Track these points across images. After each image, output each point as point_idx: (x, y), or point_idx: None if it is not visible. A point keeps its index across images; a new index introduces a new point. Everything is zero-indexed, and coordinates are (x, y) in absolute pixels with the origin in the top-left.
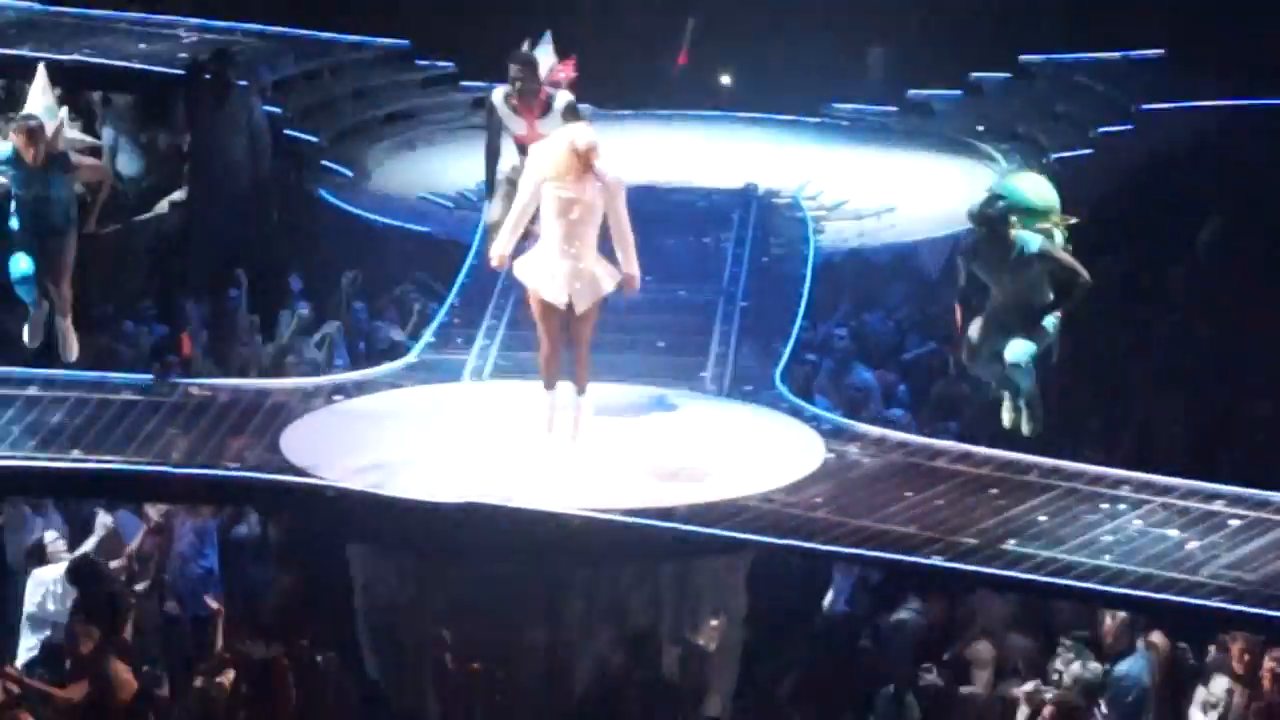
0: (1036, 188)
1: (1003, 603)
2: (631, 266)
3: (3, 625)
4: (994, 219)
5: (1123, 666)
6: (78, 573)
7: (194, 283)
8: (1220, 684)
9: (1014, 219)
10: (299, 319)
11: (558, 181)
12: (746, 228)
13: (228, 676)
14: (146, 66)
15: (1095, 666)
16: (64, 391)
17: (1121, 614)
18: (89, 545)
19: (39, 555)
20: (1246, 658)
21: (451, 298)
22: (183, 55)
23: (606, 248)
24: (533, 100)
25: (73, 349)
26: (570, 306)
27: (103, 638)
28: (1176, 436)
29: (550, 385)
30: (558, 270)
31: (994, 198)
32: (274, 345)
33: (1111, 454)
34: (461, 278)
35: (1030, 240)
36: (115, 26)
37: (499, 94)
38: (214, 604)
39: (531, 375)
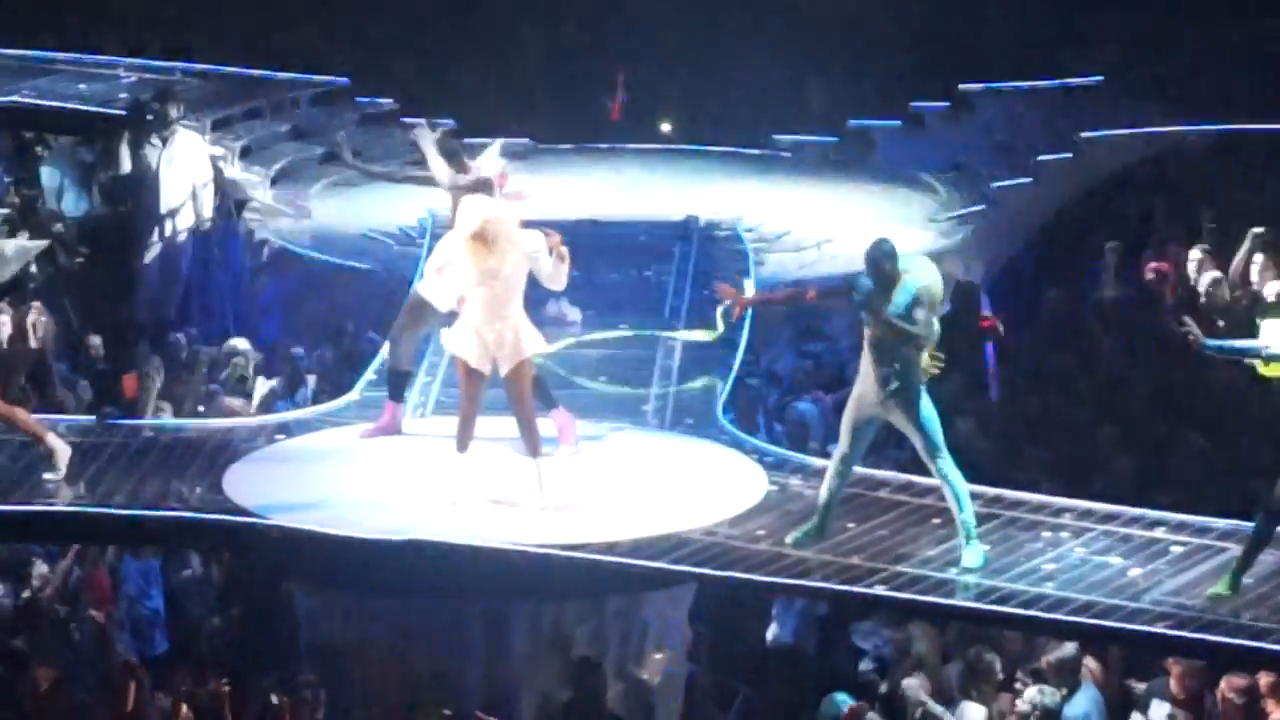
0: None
1: (935, 635)
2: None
3: None
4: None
5: (1077, 705)
6: None
7: (138, 322)
8: (1160, 710)
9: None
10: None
11: (475, 255)
12: (688, 260)
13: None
14: (89, 107)
15: (1052, 692)
16: (5, 435)
17: (1068, 648)
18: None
19: None
20: (1187, 683)
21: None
22: (122, 95)
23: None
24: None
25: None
26: (496, 372)
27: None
28: (1118, 464)
29: (462, 448)
30: (481, 336)
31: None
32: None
33: (1053, 482)
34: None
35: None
36: (53, 67)
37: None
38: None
39: None
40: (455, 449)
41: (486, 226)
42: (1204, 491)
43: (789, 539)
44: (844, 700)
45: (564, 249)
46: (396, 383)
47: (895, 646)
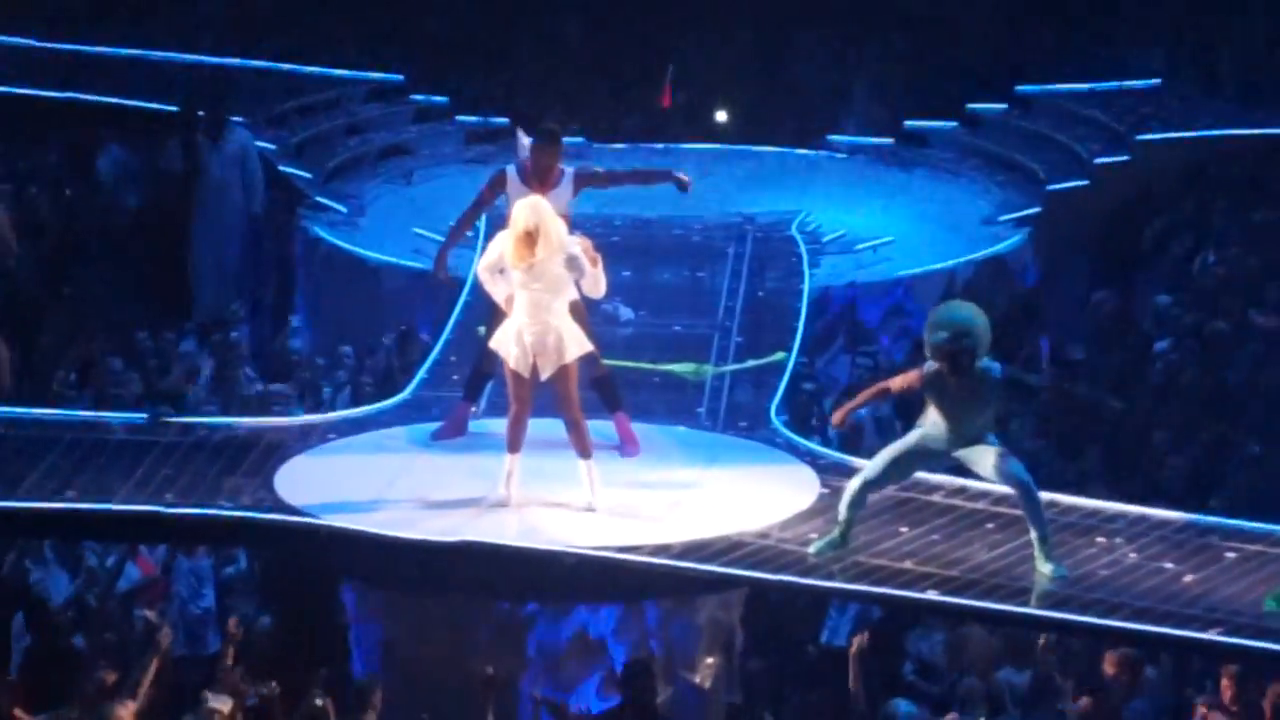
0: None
1: (988, 639)
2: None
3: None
4: (961, 354)
5: (1136, 708)
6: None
7: (191, 318)
8: (1215, 718)
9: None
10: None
11: (519, 255)
12: (742, 261)
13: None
14: (142, 103)
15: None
16: (57, 432)
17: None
18: (74, 586)
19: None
20: (1239, 690)
21: (446, 335)
22: (176, 91)
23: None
24: (548, 176)
25: None
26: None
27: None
28: (1171, 470)
29: (513, 449)
30: (523, 338)
31: (959, 334)
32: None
33: (1107, 488)
34: (455, 315)
35: (994, 366)
36: (108, 62)
37: (512, 168)
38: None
39: None
40: (506, 449)
41: (533, 227)
42: (1259, 496)
43: (811, 549)
44: (905, 707)
45: (596, 254)
46: (477, 384)
47: (947, 651)
